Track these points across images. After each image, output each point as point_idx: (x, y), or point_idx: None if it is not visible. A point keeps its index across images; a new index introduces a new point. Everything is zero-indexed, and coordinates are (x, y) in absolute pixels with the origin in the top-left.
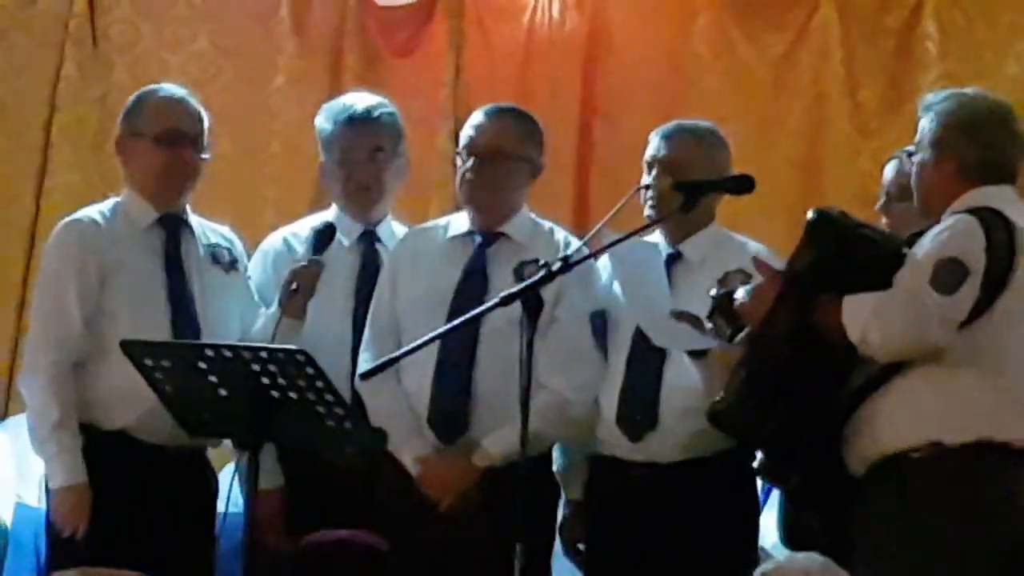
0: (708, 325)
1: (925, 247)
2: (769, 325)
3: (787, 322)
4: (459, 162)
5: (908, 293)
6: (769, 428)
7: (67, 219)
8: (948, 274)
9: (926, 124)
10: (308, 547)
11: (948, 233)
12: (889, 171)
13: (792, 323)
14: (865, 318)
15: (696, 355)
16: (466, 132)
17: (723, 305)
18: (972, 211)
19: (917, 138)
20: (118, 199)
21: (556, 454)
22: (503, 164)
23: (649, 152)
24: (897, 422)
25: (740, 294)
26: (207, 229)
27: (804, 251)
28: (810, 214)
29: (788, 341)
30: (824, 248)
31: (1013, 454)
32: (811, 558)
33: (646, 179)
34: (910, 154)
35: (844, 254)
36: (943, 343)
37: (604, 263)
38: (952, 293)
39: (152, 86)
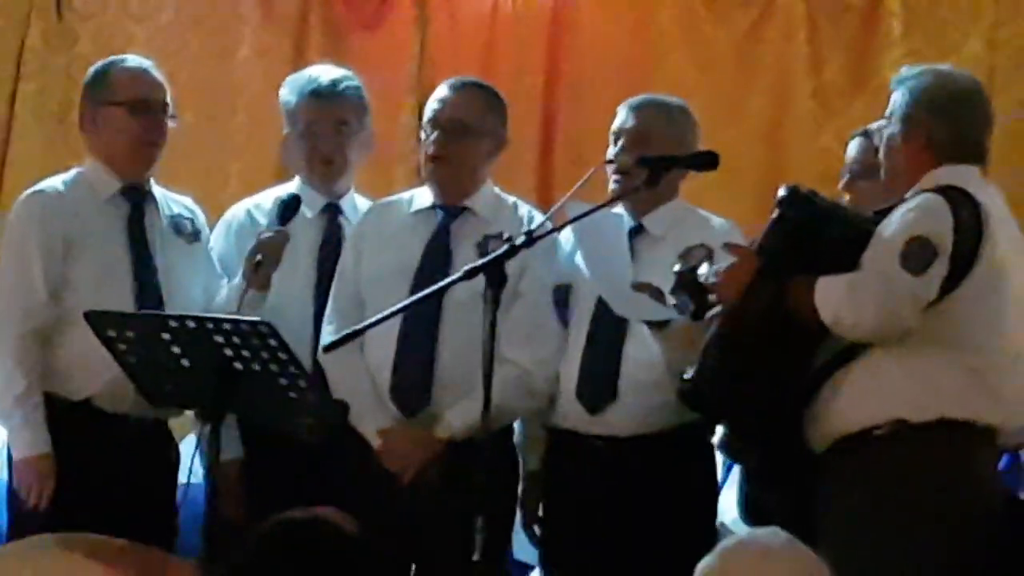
0: (671, 300)
1: (893, 225)
2: (745, 305)
3: (762, 302)
4: (423, 135)
5: (879, 274)
6: (736, 405)
7: (30, 190)
8: (918, 254)
9: (898, 98)
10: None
11: (916, 212)
12: (852, 148)
13: (767, 303)
14: (837, 300)
15: (656, 326)
16: (430, 105)
17: (687, 280)
18: (939, 190)
19: (888, 111)
20: (80, 169)
21: (516, 426)
22: (467, 137)
23: (616, 123)
24: (861, 399)
25: (704, 269)
26: (169, 200)
27: (775, 228)
28: (781, 190)
29: (763, 321)
30: (795, 224)
31: (976, 432)
32: (774, 533)
33: (612, 151)
34: (866, 133)
35: (815, 231)
36: (914, 323)
37: (567, 236)
38: (922, 273)
39: (114, 57)
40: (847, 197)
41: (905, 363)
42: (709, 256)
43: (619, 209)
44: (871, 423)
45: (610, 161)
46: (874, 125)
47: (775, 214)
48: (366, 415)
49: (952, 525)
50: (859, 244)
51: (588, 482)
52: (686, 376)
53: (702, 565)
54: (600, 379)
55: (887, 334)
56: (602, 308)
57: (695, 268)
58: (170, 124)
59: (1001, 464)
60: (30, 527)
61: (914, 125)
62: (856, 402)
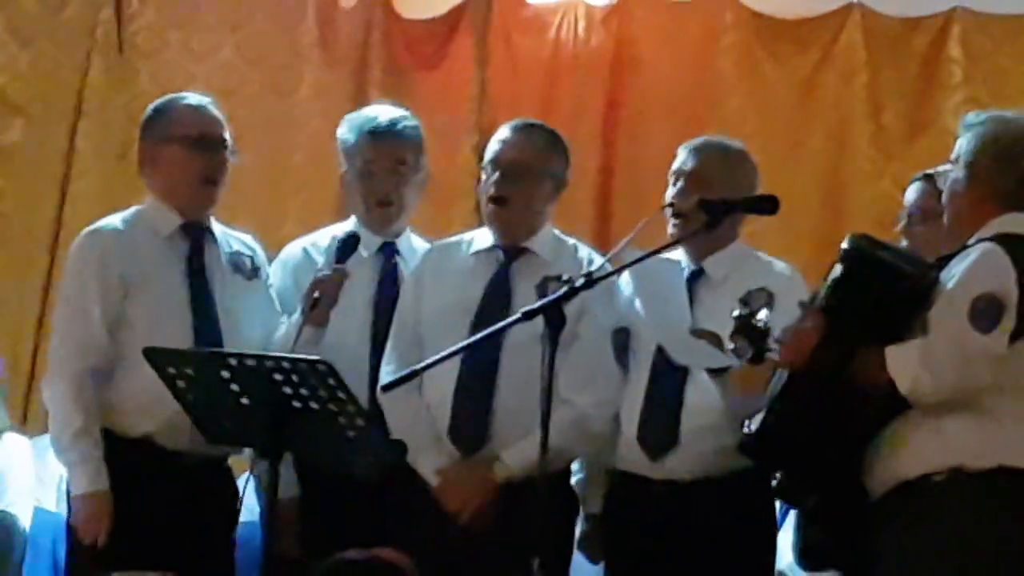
0: (729, 345)
1: (956, 280)
2: (811, 368)
3: (829, 366)
4: (484, 176)
5: (950, 337)
6: (798, 461)
7: (89, 228)
8: (985, 311)
9: (963, 143)
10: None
11: (978, 266)
12: (911, 193)
13: (833, 367)
14: (914, 368)
15: (715, 373)
16: (492, 146)
17: (745, 325)
18: (999, 239)
19: (953, 155)
20: (140, 207)
21: (575, 468)
22: (528, 179)
23: (676, 164)
24: (919, 446)
25: (763, 315)
26: (229, 237)
27: (840, 284)
28: (844, 243)
29: (828, 384)
30: (860, 282)
31: None
32: None
33: (671, 192)
34: (930, 176)
35: (879, 286)
36: (987, 381)
37: (626, 280)
38: (992, 331)
39: (171, 95)
40: (904, 242)
41: (965, 410)
42: (769, 300)
43: (677, 254)
44: (930, 470)
45: (670, 204)
46: (935, 169)
47: (839, 270)
48: (424, 454)
49: (1010, 572)
50: (924, 294)
51: (649, 525)
52: (747, 431)
53: None
54: (661, 425)
55: (962, 395)
56: (662, 353)
57: (754, 313)
58: (231, 160)
59: None
60: (88, 564)
61: (978, 171)
62: (915, 448)
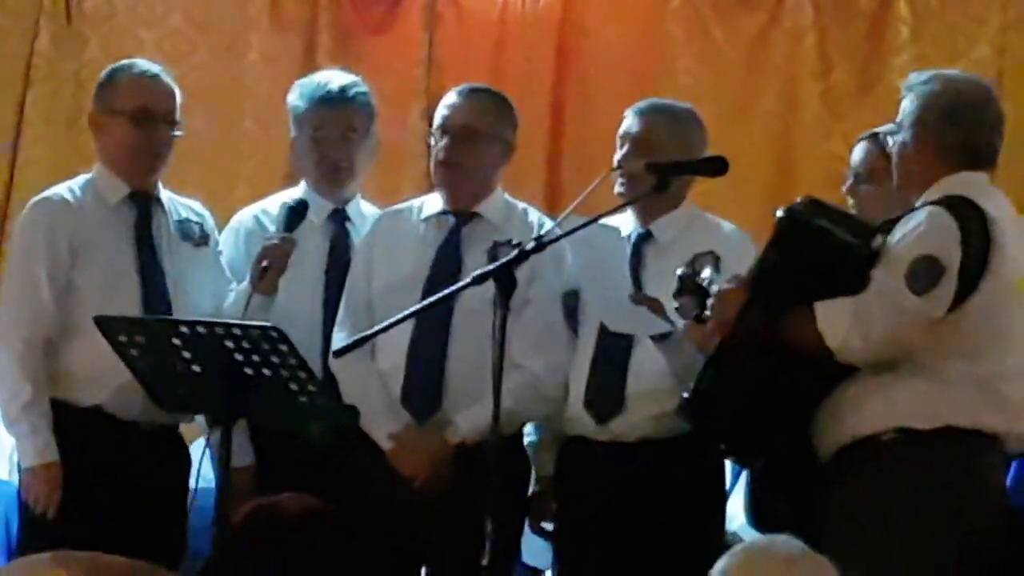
0: (674, 304)
1: (899, 243)
2: (735, 331)
3: (754, 330)
4: (433, 142)
5: (884, 296)
6: (733, 425)
7: (37, 197)
8: (924, 273)
9: (908, 104)
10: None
11: (922, 229)
12: (856, 153)
13: (759, 331)
14: (845, 326)
15: (660, 338)
16: (440, 111)
17: (689, 284)
18: (946, 202)
19: (898, 118)
20: (89, 175)
21: (527, 431)
22: (477, 143)
23: (623, 127)
24: (866, 407)
25: (707, 273)
26: (177, 204)
27: (771, 252)
28: (778, 212)
29: (754, 347)
30: (791, 251)
31: (982, 439)
32: (791, 543)
33: (618, 155)
34: (876, 135)
35: (812, 258)
36: (918, 343)
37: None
38: (928, 293)
39: (125, 61)
40: (851, 202)
41: (911, 371)
42: (716, 262)
43: (621, 218)
44: (877, 430)
45: (618, 166)
46: (880, 129)
47: (771, 238)
48: (377, 420)
49: (957, 531)
50: (865, 263)
51: (598, 488)
52: (684, 395)
53: (723, 565)
54: (608, 390)
55: (891, 356)
56: None
57: (698, 272)
58: (176, 134)
59: (1011, 473)
60: (40, 535)
61: (925, 131)
62: (862, 410)
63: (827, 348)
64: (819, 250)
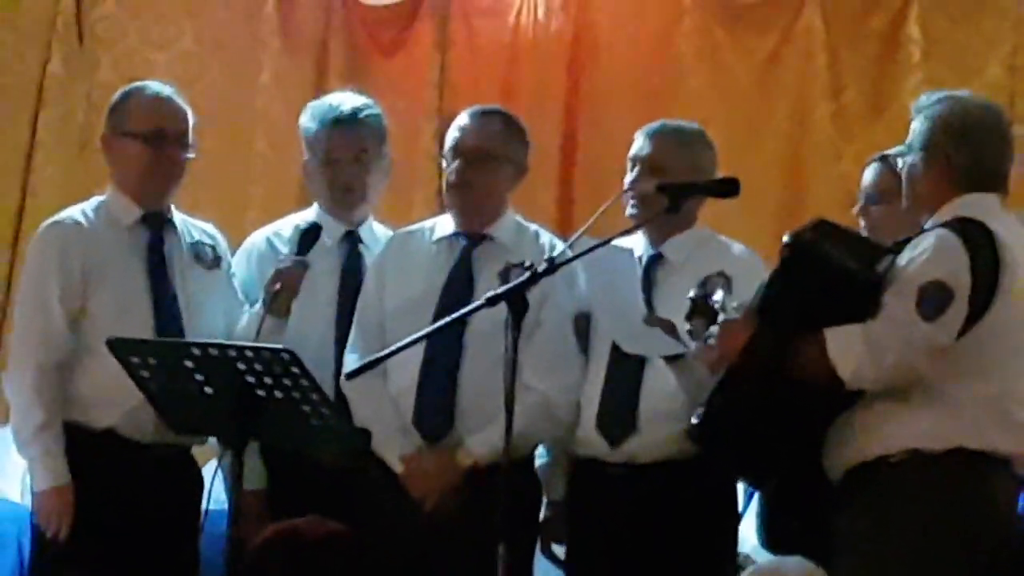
0: (686, 327)
1: (908, 267)
2: (743, 364)
3: (761, 362)
4: (444, 164)
5: (895, 324)
6: (743, 449)
7: (50, 220)
8: (933, 299)
9: (917, 126)
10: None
11: (931, 253)
12: (868, 174)
13: (766, 362)
14: (857, 356)
15: (672, 359)
16: (452, 133)
17: (700, 307)
18: (955, 225)
19: (908, 140)
20: (102, 198)
21: (539, 453)
22: (489, 165)
23: (633, 150)
24: (877, 429)
25: (718, 296)
26: (190, 227)
27: (777, 281)
28: (785, 239)
29: (763, 378)
30: (798, 279)
31: (993, 461)
32: (802, 564)
33: (629, 177)
34: (886, 157)
35: (818, 285)
36: (931, 369)
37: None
38: (937, 319)
39: (138, 83)
40: (862, 223)
41: (922, 392)
42: (727, 284)
43: (632, 239)
44: (887, 452)
45: (629, 188)
46: (891, 151)
47: (778, 267)
48: (389, 442)
49: (967, 553)
50: (871, 291)
51: (610, 510)
52: (694, 420)
53: None
54: (620, 411)
55: (902, 382)
56: None
57: (709, 294)
58: (188, 155)
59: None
60: (52, 558)
61: (934, 153)
62: (872, 432)
63: (838, 378)
64: (824, 277)
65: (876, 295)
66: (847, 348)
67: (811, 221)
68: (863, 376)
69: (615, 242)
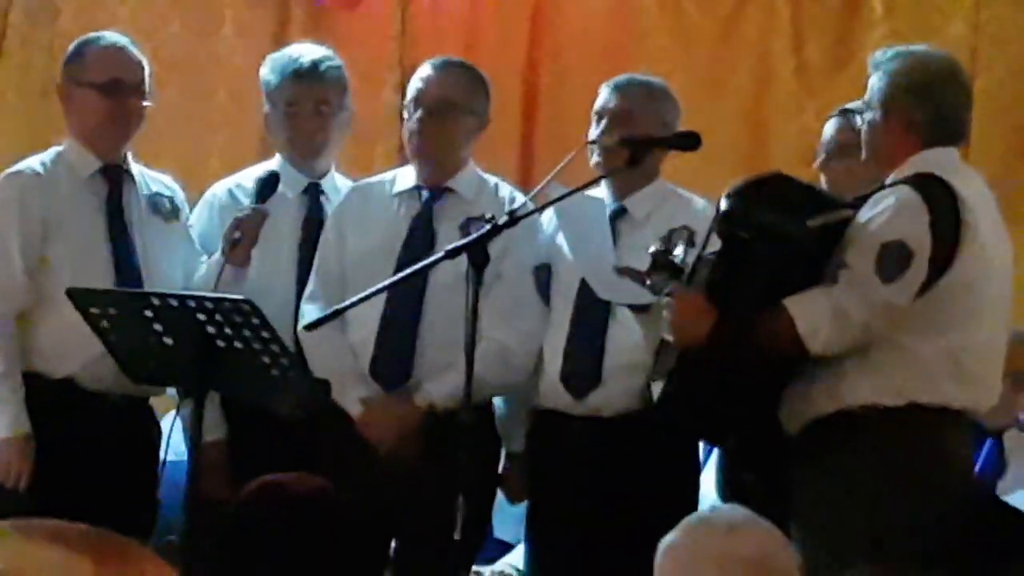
0: (647, 281)
1: (868, 225)
2: (708, 349)
3: (728, 346)
4: (406, 115)
5: (856, 287)
6: (707, 423)
7: (9, 170)
8: (892, 260)
9: (875, 82)
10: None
11: (892, 212)
12: (829, 129)
13: (732, 346)
14: (826, 327)
15: (638, 310)
16: (414, 84)
17: (662, 262)
18: (916, 182)
19: (866, 96)
20: (60, 148)
21: (498, 405)
22: (451, 116)
23: (599, 103)
24: (832, 384)
25: (679, 251)
26: (148, 178)
27: (720, 266)
28: (722, 203)
29: (726, 359)
30: (738, 253)
31: (948, 414)
32: (735, 509)
33: (594, 130)
34: (848, 111)
35: (760, 255)
36: (884, 331)
37: (549, 217)
38: (896, 280)
39: (94, 34)
40: (823, 177)
41: (878, 349)
42: (690, 238)
43: (599, 192)
44: (843, 407)
45: (592, 141)
46: (851, 105)
47: (720, 246)
48: (347, 389)
49: (922, 506)
50: (813, 242)
51: (572, 462)
52: (655, 401)
53: (667, 541)
54: (585, 363)
55: (864, 342)
56: (585, 291)
57: (671, 249)
58: (146, 104)
59: (984, 451)
60: (11, 506)
61: (893, 108)
62: (829, 386)
63: (806, 350)
64: (764, 248)
65: (825, 247)
66: (815, 322)
67: (736, 184)
68: (833, 346)
69: (586, 192)
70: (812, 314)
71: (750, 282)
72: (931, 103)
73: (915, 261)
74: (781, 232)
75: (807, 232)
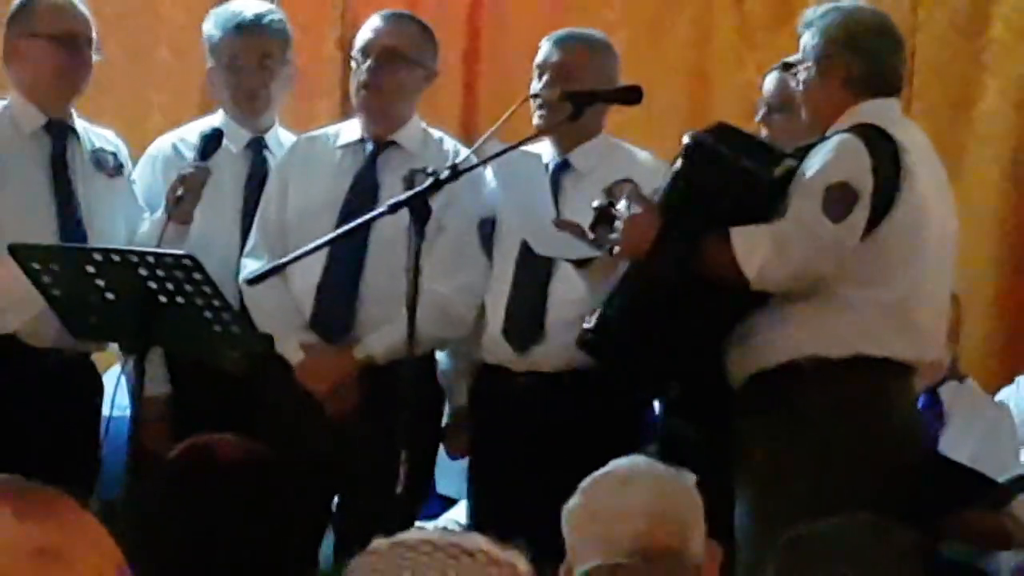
0: (590, 235)
1: (812, 170)
2: (650, 262)
3: (668, 260)
4: (354, 65)
5: (802, 224)
6: (640, 355)
7: None
8: (839, 200)
9: (808, 39)
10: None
11: (834, 155)
12: (769, 82)
13: (674, 261)
14: (762, 255)
15: (581, 264)
16: (363, 35)
17: (606, 215)
18: (856, 130)
19: (800, 55)
20: (3, 103)
21: (440, 359)
22: (401, 66)
23: (540, 57)
24: (778, 336)
25: (622, 205)
26: (92, 134)
27: (677, 181)
28: (685, 139)
29: (670, 277)
30: (699, 178)
31: (893, 366)
32: (634, 462)
33: (536, 85)
34: (788, 65)
35: (719, 186)
36: (835, 270)
37: (491, 172)
38: (844, 219)
39: None
40: (764, 131)
41: (822, 300)
42: (633, 191)
43: (539, 147)
44: (788, 358)
45: (534, 95)
46: (792, 58)
47: (678, 164)
48: (288, 338)
49: (868, 458)
50: (772, 192)
51: (515, 417)
52: (586, 326)
53: (568, 506)
54: (527, 318)
55: (807, 283)
56: (527, 245)
57: (614, 203)
58: (95, 58)
59: (920, 403)
60: None
61: (830, 63)
62: (774, 338)
63: (744, 277)
64: (723, 177)
65: (776, 196)
66: (753, 247)
67: (711, 125)
68: (768, 276)
69: (524, 148)
70: (751, 240)
71: (701, 211)
72: (866, 55)
73: (860, 202)
74: (743, 168)
75: (769, 176)
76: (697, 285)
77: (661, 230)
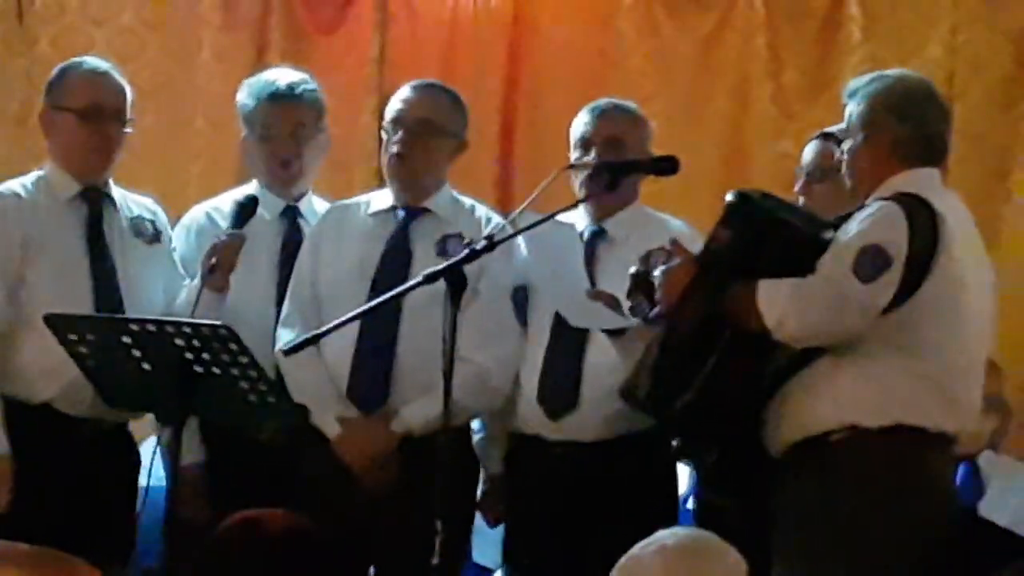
0: (627, 303)
1: (849, 233)
2: (682, 308)
3: (699, 305)
4: (385, 136)
5: (828, 280)
6: (682, 405)
7: None
8: (870, 262)
9: (854, 108)
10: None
11: (871, 220)
12: (809, 152)
13: (705, 307)
14: (782, 304)
15: (614, 334)
16: (394, 105)
17: (642, 283)
18: (896, 198)
19: (845, 124)
20: (40, 172)
21: (476, 428)
22: (431, 137)
23: (581, 129)
24: (815, 404)
25: (658, 272)
26: (130, 201)
27: (721, 233)
28: (729, 196)
29: (700, 324)
30: (741, 231)
31: (930, 438)
32: (674, 532)
33: (575, 154)
34: (827, 135)
35: (762, 239)
36: (859, 331)
37: (523, 240)
38: (872, 281)
39: (75, 59)
40: (803, 201)
41: (861, 368)
42: (668, 260)
43: (573, 216)
44: (827, 428)
45: (571, 165)
46: (831, 128)
47: (721, 218)
48: (325, 410)
49: (906, 529)
50: (809, 252)
51: (550, 486)
52: (629, 376)
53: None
54: (561, 386)
55: (829, 340)
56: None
57: (651, 270)
58: (125, 131)
59: (959, 475)
60: None
61: (877, 130)
62: (812, 406)
63: (764, 325)
64: (767, 231)
65: (817, 256)
66: (775, 297)
67: (754, 190)
68: (786, 326)
69: (557, 218)
70: (775, 290)
71: (739, 262)
72: (913, 120)
73: (892, 266)
74: (787, 222)
75: (814, 233)
76: (734, 346)
77: (695, 278)
